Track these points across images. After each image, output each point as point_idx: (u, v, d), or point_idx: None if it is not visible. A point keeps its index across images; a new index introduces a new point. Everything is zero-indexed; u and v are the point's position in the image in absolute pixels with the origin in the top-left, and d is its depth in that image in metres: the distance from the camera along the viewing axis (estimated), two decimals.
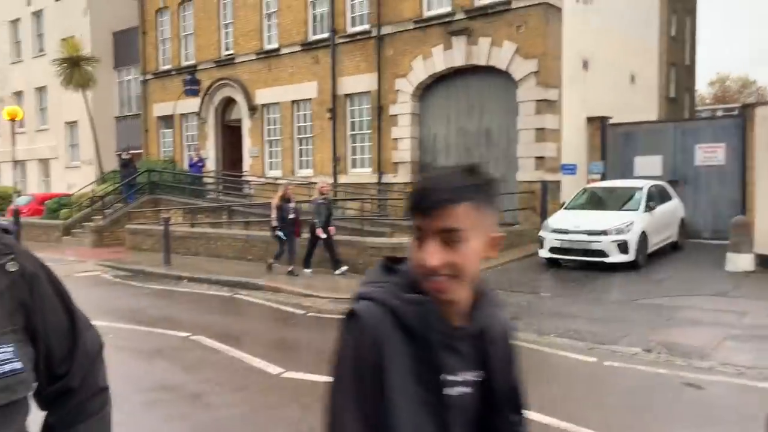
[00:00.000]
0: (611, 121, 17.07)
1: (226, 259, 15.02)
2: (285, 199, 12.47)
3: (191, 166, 21.89)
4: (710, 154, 15.62)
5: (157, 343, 7.61)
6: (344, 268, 12.19)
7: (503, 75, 15.99)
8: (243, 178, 22.15)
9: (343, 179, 19.46)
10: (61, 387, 1.21)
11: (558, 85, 15.63)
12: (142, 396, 5.53)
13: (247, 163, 22.51)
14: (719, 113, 46.37)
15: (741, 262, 11.34)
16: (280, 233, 12.33)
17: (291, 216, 12.35)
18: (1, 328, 1.02)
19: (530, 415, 4.94)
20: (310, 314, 9.33)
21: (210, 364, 6.64)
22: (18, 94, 32.05)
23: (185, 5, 24.59)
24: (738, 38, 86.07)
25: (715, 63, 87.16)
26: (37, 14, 30.81)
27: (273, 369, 6.38)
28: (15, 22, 32.17)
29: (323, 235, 12.01)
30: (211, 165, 23.31)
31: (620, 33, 18.71)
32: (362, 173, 19.24)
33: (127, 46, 27.89)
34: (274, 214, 12.41)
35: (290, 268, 12.22)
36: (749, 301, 9.29)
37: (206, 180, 22.54)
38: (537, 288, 10.87)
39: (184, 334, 7.88)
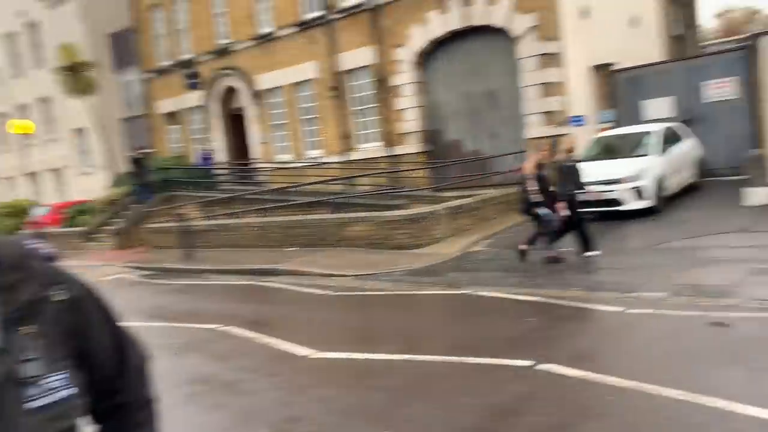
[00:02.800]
0: (617, 67, 16.79)
1: (245, 248, 15.15)
2: (541, 166, 9.37)
3: (202, 159, 22.01)
4: (720, 89, 15.34)
5: (187, 337, 7.76)
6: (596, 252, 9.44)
7: (502, 33, 15.79)
8: (253, 166, 22.23)
9: (353, 155, 19.45)
10: (113, 402, 1.28)
11: (559, 37, 15.39)
12: (180, 390, 5.65)
13: (255, 150, 22.57)
14: (728, 46, 45.38)
15: (758, 196, 11.21)
16: (546, 211, 9.26)
17: (551, 187, 9.34)
18: (53, 356, 1.06)
19: (561, 369, 4.99)
20: (334, 294, 9.42)
21: (241, 353, 6.76)
22: (23, 107, 32.26)
23: None
24: None
25: None
26: (32, 25, 30.81)
27: (303, 351, 6.48)
28: (11, 35, 32.22)
29: (565, 211, 9.28)
30: (220, 156, 23.39)
31: None
32: (372, 147, 19.21)
33: (124, 47, 27.85)
34: (532, 186, 9.25)
35: (552, 254, 9.35)
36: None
37: (217, 171, 22.66)
38: (557, 244, 10.85)
39: (213, 326, 8.01)
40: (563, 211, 9.22)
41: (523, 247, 9.57)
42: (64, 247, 20.63)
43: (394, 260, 11.17)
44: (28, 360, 1.02)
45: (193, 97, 23.46)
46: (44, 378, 1.03)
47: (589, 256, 9.34)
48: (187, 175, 22.53)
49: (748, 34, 22.55)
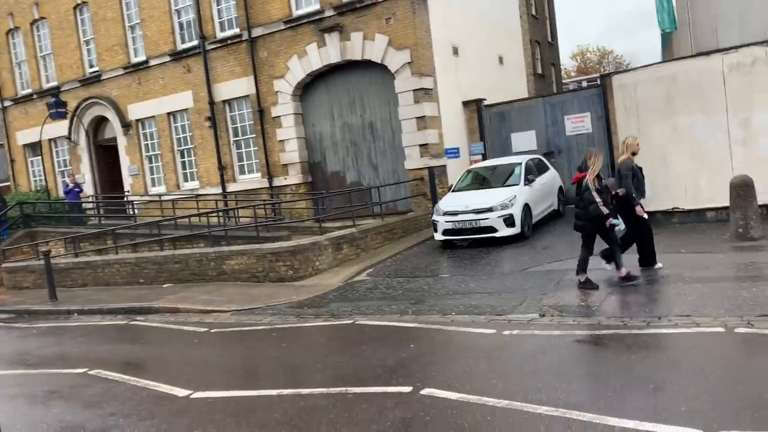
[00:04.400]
0: (485, 103, 17.78)
1: (116, 285, 14.35)
2: (600, 175, 8.31)
3: (67, 192, 20.69)
4: (578, 123, 16.66)
5: (52, 384, 7.19)
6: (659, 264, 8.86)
7: (380, 67, 16.25)
8: (125, 199, 21.19)
9: (232, 187, 19.08)
10: None
11: (432, 73, 16.08)
12: None
13: (127, 182, 21.55)
14: (584, 84, 49.43)
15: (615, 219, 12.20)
16: (618, 222, 8.37)
17: (614, 192, 8.51)
18: None
19: (441, 393, 5.13)
20: (213, 330, 9.13)
21: (112, 398, 6.36)
22: None
23: (39, 24, 23.09)
24: (593, 12, 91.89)
25: (576, 37, 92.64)
26: None
27: (180, 392, 6.21)
28: None
29: (645, 215, 8.74)
30: (89, 189, 22.12)
31: (485, 17, 19.50)
32: (252, 179, 18.95)
33: None
34: (597, 196, 8.13)
35: (625, 273, 8.35)
36: (625, 255, 10.04)
37: (85, 205, 21.38)
38: (436, 270, 11.22)
39: (81, 370, 7.50)
40: (645, 214, 8.65)
41: (622, 273, 8.38)
42: None
43: (276, 293, 11.03)
44: None
45: (59, 127, 22.09)
46: None
47: (658, 269, 8.79)
48: (52, 209, 21.10)
49: (600, 74, 24.68)
